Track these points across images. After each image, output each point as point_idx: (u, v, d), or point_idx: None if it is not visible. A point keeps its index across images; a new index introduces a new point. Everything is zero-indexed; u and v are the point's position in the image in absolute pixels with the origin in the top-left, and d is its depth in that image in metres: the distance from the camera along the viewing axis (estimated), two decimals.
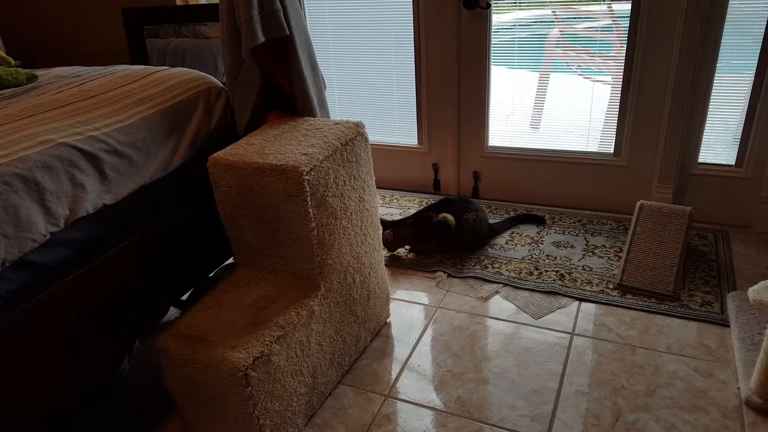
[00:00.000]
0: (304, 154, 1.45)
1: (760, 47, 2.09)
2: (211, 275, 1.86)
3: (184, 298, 1.89)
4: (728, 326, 1.80)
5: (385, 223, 2.26)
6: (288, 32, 1.61)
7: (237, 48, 1.63)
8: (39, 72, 1.84)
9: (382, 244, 1.80)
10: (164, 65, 2.34)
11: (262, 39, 1.56)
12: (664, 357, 1.71)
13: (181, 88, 1.65)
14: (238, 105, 1.72)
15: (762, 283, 1.49)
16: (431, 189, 2.84)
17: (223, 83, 1.79)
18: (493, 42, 2.46)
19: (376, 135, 2.85)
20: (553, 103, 2.57)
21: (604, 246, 2.26)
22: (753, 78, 2.14)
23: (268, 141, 1.55)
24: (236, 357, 1.31)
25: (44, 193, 1.26)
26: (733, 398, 1.56)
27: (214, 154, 1.50)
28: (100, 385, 1.70)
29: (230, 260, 1.78)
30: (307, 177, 1.40)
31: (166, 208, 1.58)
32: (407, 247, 2.35)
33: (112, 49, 2.80)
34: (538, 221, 2.48)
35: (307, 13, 2.72)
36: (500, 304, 2.00)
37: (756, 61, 2.12)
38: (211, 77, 1.77)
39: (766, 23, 2.05)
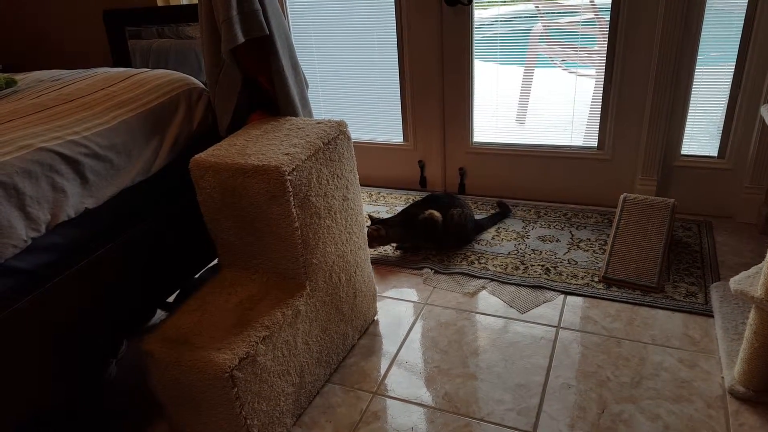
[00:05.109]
0: (286, 154, 1.44)
1: (739, 38, 2.11)
2: (196, 276, 1.85)
3: (170, 300, 1.89)
4: (712, 317, 1.82)
5: (373, 220, 2.27)
6: (268, 32, 1.60)
7: (217, 49, 1.62)
8: (18, 76, 1.83)
9: (367, 242, 1.80)
10: (147, 66, 2.33)
11: (241, 39, 1.55)
12: (649, 348, 1.73)
13: (162, 90, 1.65)
14: (220, 106, 1.71)
15: (743, 274, 1.50)
16: (418, 186, 2.84)
17: (204, 84, 1.78)
18: (475, 38, 2.47)
19: (361, 133, 2.85)
20: (537, 98, 2.58)
21: (589, 239, 2.28)
22: (733, 69, 2.16)
23: (250, 141, 1.55)
24: (222, 358, 1.31)
25: (24, 198, 1.25)
26: (717, 388, 1.58)
27: (196, 156, 1.50)
28: (86, 388, 1.69)
29: (215, 261, 1.78)
30: (289, 177, 1.40)
31: (149, 211, 1.57)
32: (393, 244, 2.35)
33: (94, 51, 2.78)
34: (504, 209, 2.53)
35: (289, 13, 2.71)
36: (487, 300, 2.01)
37: (736, 53, 2.14)
38: (192, 78, 1.76)
39: (744, 14, 2.07)
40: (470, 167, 2.71)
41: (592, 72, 2.42)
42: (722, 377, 1.60)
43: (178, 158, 1.65)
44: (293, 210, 1.43)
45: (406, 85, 2.65)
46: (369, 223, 2.24)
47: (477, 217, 2.43)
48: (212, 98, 1.74)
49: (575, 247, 2.24)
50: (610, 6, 2.22)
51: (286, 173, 1.39)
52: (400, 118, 2.75)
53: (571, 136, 2.52)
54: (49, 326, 1.29)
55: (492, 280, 2.10)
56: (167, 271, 1.67)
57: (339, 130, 1.62)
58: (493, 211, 2.54)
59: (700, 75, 2.21)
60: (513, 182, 2.66)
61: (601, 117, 2.41)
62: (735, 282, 1.48)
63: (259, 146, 1.50)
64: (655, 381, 1.61)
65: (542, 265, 2.14)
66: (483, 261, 2.20)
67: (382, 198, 2.79)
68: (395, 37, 2.58)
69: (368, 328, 1.93)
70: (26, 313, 1.23)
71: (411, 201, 2.66)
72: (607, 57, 2.30)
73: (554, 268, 2.12)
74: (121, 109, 1.53)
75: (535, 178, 2.61)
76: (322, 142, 1.53)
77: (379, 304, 2.02)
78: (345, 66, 2.76)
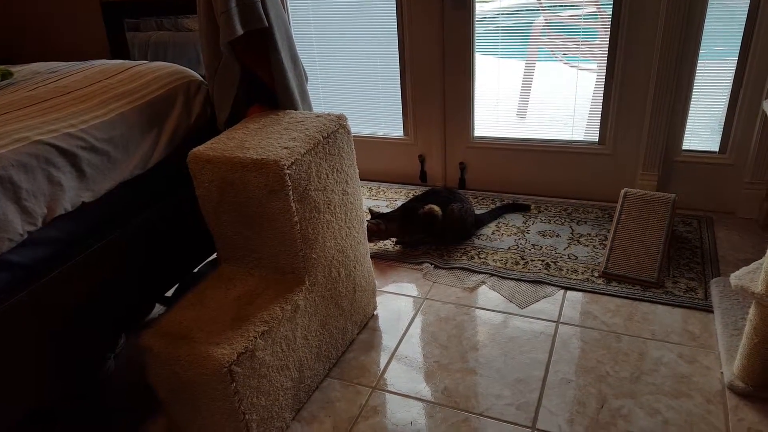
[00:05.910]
0: (285, 147, 1.43)
1: (742, 33, 2.10)
2: (195, 271, 1.85)
3: (168, 294, 1.88)
4: (712, 312, 1.81)
5: (373, 214, 2.26)
6: (267, 24, 1.59)
7: (215, 41, 1.61)
8: (14, 68, 1.81)
9: (367, 237, 1.80)
10: (146, 59, 2.32)
11: (240, 31, 1.54)
12: (648, 344, 1.72)
13: (160, 83, 1.63)
14: (218, 99, 1.70)
15: (743, 269, 1.50)
16: (418, 180, 2.83)
17: (203, 77, 1.77)
18: (477, 31, 2.45)
19: (361, 127, 2.83)
20: (538, 93, 2.57)
21: (590, 234, 2.27)
22: (736, 64, 2.15)
23: (248, 135, 1.53)
24: (220, 353, 1.30)
25: (20, 191, 1.24)
26: (716, 383, 1.57)
27: (194, 149, 1.49)
28: (84, 383, 1.69)
29: (214, 256, 1.77)
30: (288, 171, 1.39)
31: (147, 205, 1.56)
32: (393, 239, 2.34)
33: (92, 43, 2.76)
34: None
35: (288, 5, 2.69)
36: (487, 294, 2.00)
37: (738, 48, 2.12)
38: (191, 71, 1.75)
39: (747, 9, 2.06)
40: (471, 162, 2.70)
41: (594, 66, 2.41)
42: (721, 372, 1.59)
43: (176, 152, 1.63)
44: (292, 204, 1.42)
45: (407, 78, 2.63)
46: (369, 217, 2.24)
47: (477, 211, 2.42)
48: (211, 91, 1.72)
49: (575, 242, 2.23)
50: (612, 0, 2.20)
51: (285, 167, 1.38)
52: (401, 111, 2.73)
53: (572, 131, 2.51)
54: (45, 321, 1.28)
55: (492, 275, 2.09)
56: (165, 266, 1.67)
57: (339, 123, 1.60)
58: (493, 206, 2.53)
59: (702, 69, 2.20)
60: (513, 177, 2.65)
61: (602, 112, 2.40)
62: (735, 277, 1.48)
63: (258, 140, 1.49)
64: (655, 376, 1.61)
65: (542, 260, 2.13)
66: (483, 256, 2.19)
67: (382, 192, 2.78)
68: (396, 30, 2.56)
69: (368, 323, 1.92)
70: (22, 307, 1.22)
71: (411, 195, 2.64)
72: (608, 51, 2.28)
73: (554, 263, 2.11)
74: (119, 102, 1.52)
75: (536, 172, 2.60)
76: (321, 136, 1.52)
77: (378, 299, 2.01)
78: (345, 59, 2.74)
